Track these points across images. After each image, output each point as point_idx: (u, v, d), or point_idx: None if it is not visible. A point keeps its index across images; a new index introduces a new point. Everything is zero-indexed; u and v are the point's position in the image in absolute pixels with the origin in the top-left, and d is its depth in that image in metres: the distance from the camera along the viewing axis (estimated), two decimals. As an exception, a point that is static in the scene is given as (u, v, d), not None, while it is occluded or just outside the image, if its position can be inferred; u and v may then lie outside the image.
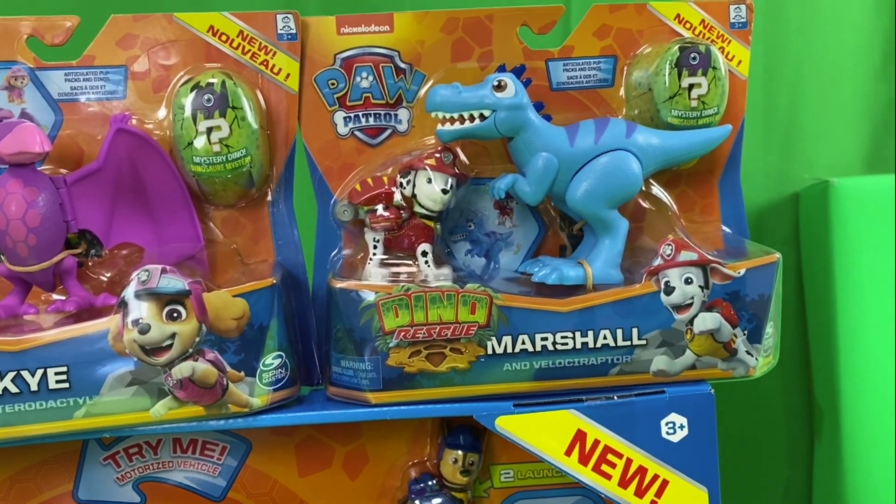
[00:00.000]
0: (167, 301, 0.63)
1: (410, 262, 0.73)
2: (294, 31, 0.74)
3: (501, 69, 0.72)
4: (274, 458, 0.83)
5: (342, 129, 0.76)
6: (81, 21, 0.71)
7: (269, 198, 0.75)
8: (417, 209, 0.72)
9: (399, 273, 0.72)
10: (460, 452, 0.78)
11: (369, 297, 0.67)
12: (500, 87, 0.70)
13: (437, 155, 0.72)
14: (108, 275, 0.71)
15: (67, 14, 0.71)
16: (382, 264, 0.72)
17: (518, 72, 0.71)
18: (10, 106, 0.71)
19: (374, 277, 0.72)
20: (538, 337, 0.68)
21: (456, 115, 0.70)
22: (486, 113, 0.69)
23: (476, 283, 0.68)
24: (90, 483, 0.81)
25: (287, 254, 0.76)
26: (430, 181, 0.71)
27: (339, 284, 0.68)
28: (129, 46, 0.72)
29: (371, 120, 0.76)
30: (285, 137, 0.74)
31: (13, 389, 0.61)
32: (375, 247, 0.72)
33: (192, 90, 0.68)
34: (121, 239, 0.70)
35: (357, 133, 0.76)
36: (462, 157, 0.77)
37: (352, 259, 0.76)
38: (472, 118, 0.70)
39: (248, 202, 0.75)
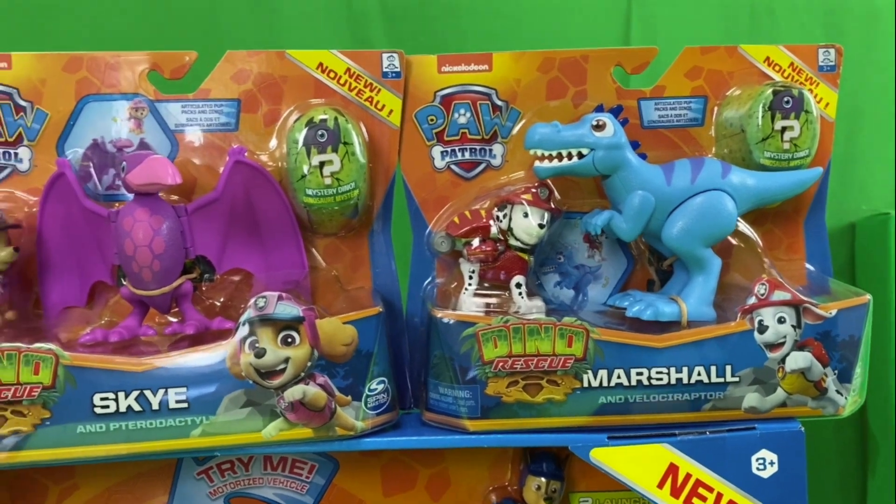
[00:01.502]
0: (282, 327, 0.66)
1: (504, 293, 0.76)
2: (398, 70, 0.77)
3: (599, 109, 0.74)
4: (360, 479, 0.85)
5: (439, 163, 0.79)
6: (199, 56, 0.75)
7: (369, 227, 0.78)
8: (512, 242, 0.74)
9: (493, 304, 0.75)
10: (543, 479, 0.80)
11: (470, 327, 0.70)
12: (599, 126, 0.72)
13: (534, 190, 0.74)
14: (222, 299, 0.74)
15: (186, 49, 0.75)
16: (477, 294, 0.75)
17: (616, 112, 0.74)
18: (130, 136, 0.75)
19: (468, 307, 0.74)
20: (633, 371, 0.70)
21: (554, 153, 0.72)
22: (585, 151, 0.72)
23: (573, 316, 0.70)
24: (184, 497, 0.84)
25: (383, 281, 0.79)
26: (526, 215, 0.73)
27: (441, 314, 0.71)
28: (242, 81, 0.75)
29: (467, 154, 0.79)
30: (386, 170, 0.77)
31: (136, 408, 0.65)
32: (471, 277, 0.75)
33: (306, 125, 0.71)
34: (232, 264, 0.73)
35: (453, 167, 0.79)
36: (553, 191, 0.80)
37: (445, 288, 0.79)
38: (570, 156, 0.72)
39: (348, 231, 0.78)
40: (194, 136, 0.75)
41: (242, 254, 0.73)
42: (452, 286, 0.78)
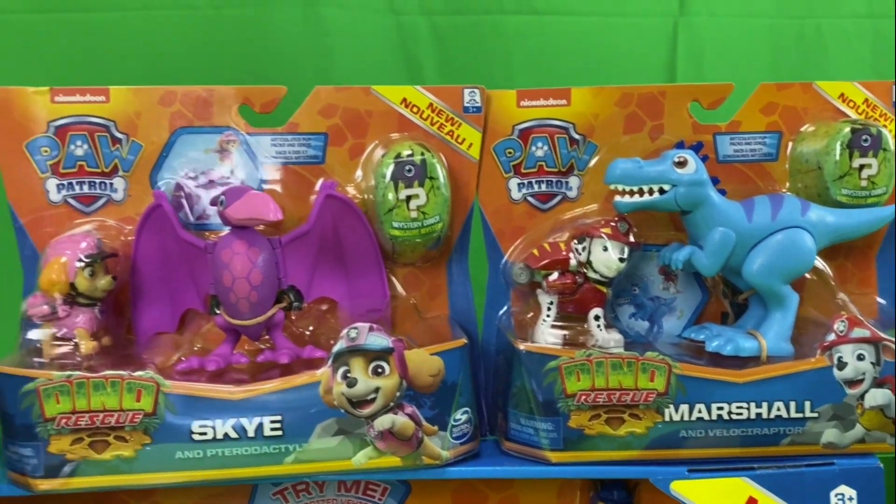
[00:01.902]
0: (373, 357, 0.68)
1: (580, 325, 0.77)
2: (479, 104, 0.79)
3: (680, 145, 0.76)
4: (431, 502, 0.87)
5: (516, 195, 0.80)
6: (288, 91, 0.78)
7: (447, 257, 0.80)
8: (591, 274, 0.75)
9: (571, 336, 0.76)
10: (614, 507, 0.82)
11: (553, 359, 0.71)
12: (681, 163, 0.73)
13: (613, 223, 0.75)
14: (311, 328, 0.77)
15: (276, 84, 0.78)
16: (554, 326, 0.77)
17: (696, 148, 0.75)
18: (221, 167, 0.77)
19: (546, 339, 0.75)
20: (714, 406, 0.71)
21: (635, 188, 0.74)
22: (666, 187, 0.73)
23: (655, 351, 0.71)
24: (260, 516, 0.87)
25: (460, 309, 0.80)
26: (605, 249, 0.75)
27: (524, 346, 0.72)
28: (329, 115, 0.77)
29: (543, 186, 0.80)
30: (464, 201, 0.79)
31: (232, 434, 0.67)
32: (549, 309, 0.76)
33: (393, 160, 0.73)
34: (319, 294, 0.75)
35: (529, 198, 0.80)
36: (628, 224, 0.81)
37: (520, 317, 0.80)
38: (651, 192, 0.73)
39: (426, 260, 0.80)
40: (283, 168, 0.77)
41: (328, 283, 0.76)
42: (528, 316, 0.80)
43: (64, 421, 0.65)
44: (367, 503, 0.87)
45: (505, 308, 0.81)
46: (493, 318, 0.81)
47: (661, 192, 0.73)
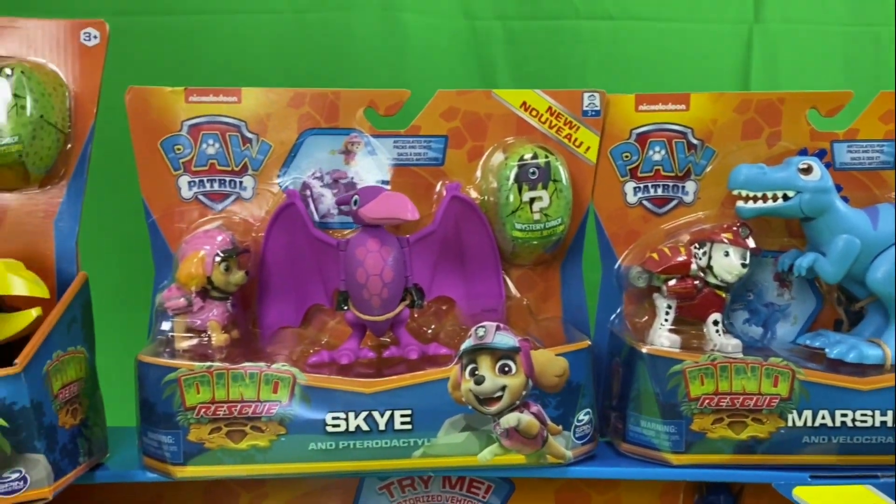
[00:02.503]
0: (500, 356, 0.69)
1: (693, 329, 0.77)
2: (598, 108, 0.80)
3: (803, 153, 0.76)
4: (534, 501, 0.87)
5: (631, 199, 0.81)
6: (412, 94, 0.79)
7: (561, 259, 0.81)
8: (711, 280, 0.76)
9: (685, 340, 0.77)
10: (721, 512, 0.82)
11: (676, 363, 0.72)
12: (806, 169, 0.73)
13: (735, 229, 0.76)
14: (433, 326, 0.78)
15: (400, 88, 0.79)
16: (671, 330, 0.77)
17: (820, 156, 0.75)
18: (345, 168, 0.79)
19: (663, 342, 0.76)
20: (838, 413, 0.71)
21: (759, 194, 0.74)
22: (791, 194, 0.73)
23: (778, 357, 0.71)
24: (366, 509, 0.89)
25: (572, 312, 0.81)
26: (727, 254, 0.75)
27: (646, 349, 0.73)
28: (450, 118, 0.79)
29: (659, 191, 0.81)
30: (580, 205, 0.80)
31: (364, 427, 0.68)
32: (667, 313, 0.77)
33: (517, 163, 0.74)
34: (439, 292, 0.77)
35: (645, 202, 0.81)
36: (742, 230, 0.81)
37: (634, 321, 0.81)
38: (775, 198, 0.74)
39: (540, 262, 0.81)
40: (404, 170, 0.79)
41: (448, 282, 0.77)
42: (643, 319, 0.80)
43: (203, 410, 0.68)
44: (472, 500, 0.89)
45: (618, 311, 0.82)
46: (604, 321, 0.82)
47: (786, 198, 0.73)
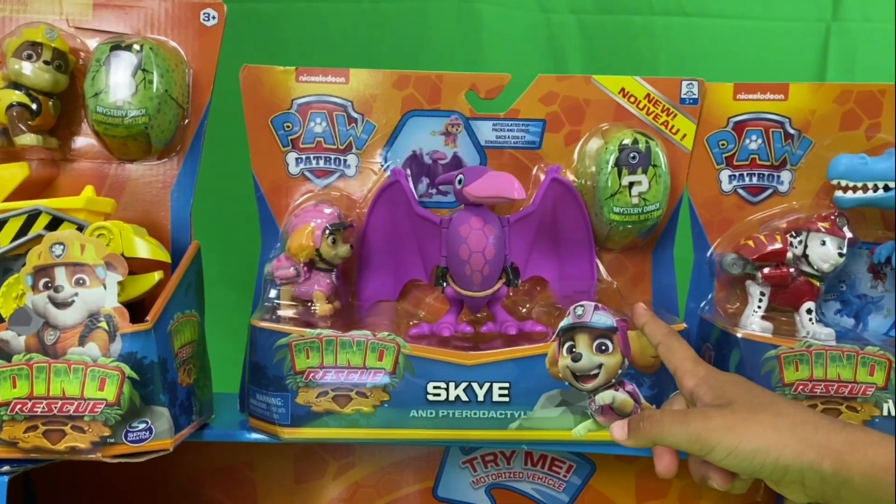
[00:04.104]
0: (597, 335, 0.70)
1: (784, 317, 0.78)
2: (696, 97, 0.80)
3: (907, 151, 0.76)
4: (615, 482, 0.89)
5: (726, 186, 0.82)
6: (512, 79, 0.81)
7: (653, 244, 0.82)
8: (806, 268, 0.77)
9: (777, 327, 0.77)
10: (804, 502, 0.82)
11: (770, 349, 0.73)
12: (909, 161, 0.73)
13: (832, 218, 0.76)
14: (528, 305, 0.80)
15: (501, 72, 0.81)
16: (763, 317, 0.78)
17: None
18: (445, 149, 0.82)
19: (755, 329, 0.77)
20: (936, 404, 0.71)
21: (859, 184, 0.74)
22: (891, 185, 0.73)
23: (875, 346, 0.72)
24: (448, 483, 0.91)
25: (662, 296, 0.83)
26: (823, 243, 0.75)
27: (742, 334, 0.74)
28: (549, 103, 0.81)
29: (755, 179, 0.82)
30: (675, 191, 0.81)
31: (464, 398, 0.71)
32: (760, 300, 0.78)
33: (618, 147, 0.76)
34: (533, 272, 0.79)
35: (739, 190, 0.82)
36: (837, 220, 0.81)
37: (724, 307, 0.82)
38: (875, 188, 0.74)
39: (631, 247, 0.82)
40: (502, 152, 0.81)
41: (542, 262, 0.79)
42: (736, 306, 0.81)
43: (312, 375, 0.71)
44: (553, 478, 0.91)
45: (708, 297, 0.83)
46: (693, 307, 0.83)
47: (886, 188, 0.74)
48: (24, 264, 0.64)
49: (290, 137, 0.80)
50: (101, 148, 0.77)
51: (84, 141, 0.78)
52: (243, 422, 0.78)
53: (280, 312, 0.76)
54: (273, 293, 0.77)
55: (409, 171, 0.81)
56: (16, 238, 0.66)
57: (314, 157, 0.81)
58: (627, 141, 0.76)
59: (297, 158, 0.81)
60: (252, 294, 0.82)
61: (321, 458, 0.91)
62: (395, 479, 0.92)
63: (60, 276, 0.62)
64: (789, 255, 0.76)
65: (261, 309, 0.77)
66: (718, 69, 1.26)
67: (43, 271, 0.62)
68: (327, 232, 0.75)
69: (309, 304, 0.77)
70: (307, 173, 0.81)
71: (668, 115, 0.81)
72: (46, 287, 0.62)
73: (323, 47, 1.26)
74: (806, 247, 0.76)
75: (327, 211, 0.77)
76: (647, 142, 0.76)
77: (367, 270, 0.80)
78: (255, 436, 0.75)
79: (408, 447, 0.89)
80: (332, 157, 0.81)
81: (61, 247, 0.62)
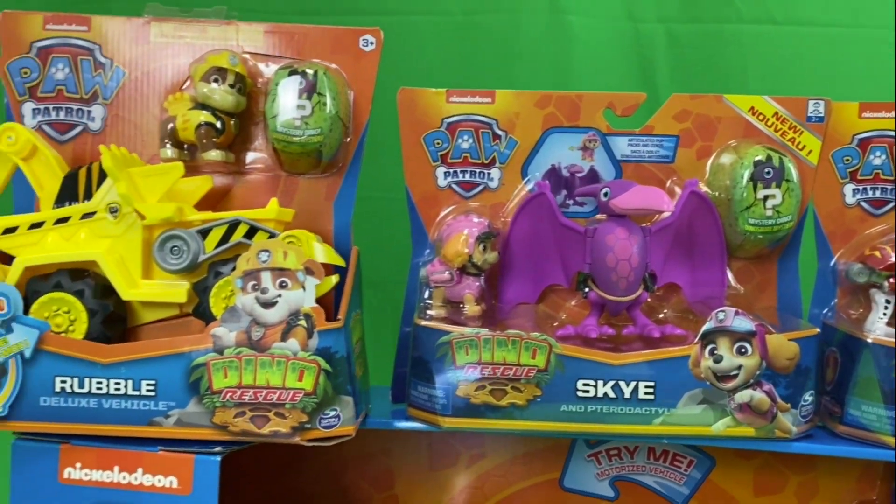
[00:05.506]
0: (737, 338, 0.76)
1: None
2: (822, 115, 0.85)
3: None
4: (734, 478, 0.94)
5: (850, 199, 0.87)
6: (647, 98, 0.87)
7: (779, 253, 0.87)
8: (929, 278, 0.81)
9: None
10: (923, 499, 0.86)
11: (902, 353, 0.77)
12: None
13: (959, 231, 0.80)
14: (666, 310, 0.86)
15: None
16: (888, 324, 0.82)
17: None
18: (582, 163, 0.88)
19: (881, 335, 0.81)
20: None
21: None
22: None
23: None
24: (574, 474, 0.97)
25: (787, 303, 0.87)
26: (948, 255, 0.80)
27: (873, 339, 0.79)
28: (682, 120, 0.86)
29: (878, 193, 0.86)
30: (801, 205, 0.86)
31: (611, 395, 0.77)
32: (886, 307, 0.82)
33: (753, 163, 0.81)
34: (668, 279, 0.85)
35: (863, 203, 0.87)
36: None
37: (847, 313, 0.86)
38: None
39: (759, 256, 0.87)
40: (637, 166, 0.87)
41: (676, 270, 0.85)
42: (858, 312, 0.86)
43: (471, 370, 0.78)
44: (674, 472, 0.96)
45: (831, 304, 0.87)
46: (816, 312, 0.88)
47: None
48: (232, 268, 0.72)
49: (439, 153, 0.88)
50: (271, 162, 0.86)
51: (254, 156, 0.87)
52: (394, 411, 0.85)
53: (430, 312, 0.84)
54: (426, 294, 0.85)
55: (549, 184, 0.87)
56: (219, 245, 0.75)
57: (461, 171, 0.88)
58: (761, 157, 0.81)
59: (445, 172, 0.88)
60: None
61: (453, 447, 0.98)
62: (522, 470, 0.98)
63: (266, 279, 0.70)
64: (915, 265, 0.81)
65: (419, 309, 0.85)
66: (807, 78, 1.28)
67: (251, 275, 0.70)
68: (479, 239, 0.82)
69: (460, 305, 0.84)
70: (454, 186, 0.88)
71: (794, 132, 0.86)
72: (254, 289, 0.70)
73: (419, 59, 1.32)
74: (931, 257, 0.80)
75: (478, 220, 0.84)
76: (780, 158, 0.81)
77: (509, 275, 0.87)
78: (407, 424, 0.82)
79: (535, 440, 0.96)
80: (478, 171, 0.88)
81: (267, 254, 0.70)
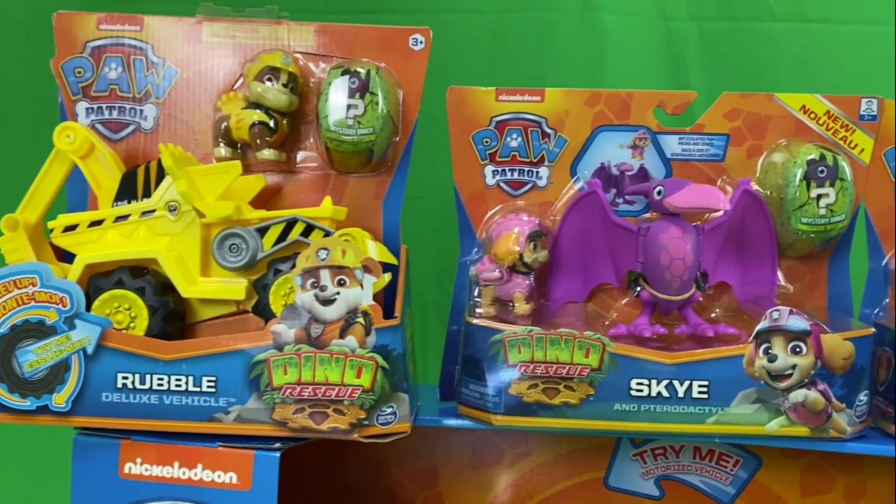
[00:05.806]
0: (792, 337, 0.76)
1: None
2: (875, 113, 0.85)
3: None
4: (780, 478, 0.94)
5: (902, 198, 0.87)
6: (698, 96, 0.87)
7: (829, 253, 0.87)
8: None
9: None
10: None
11: (958, 353, 0.77)
12: None
13: None
14: (718, 310, 0.86)
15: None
16: (942, 324, 0.82)
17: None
18: (632, 161, 0.88)
19: (934, 334, 0.81)
20: None
21: None
22: None
23: None
24: (619, 473, 0.97)
25: (837, 302, 0.87)
26: None
27: (927, 339, 0.79)
28: (733, 119, 0.86)
29: (931, 192, 0.86)
30: (854, 204, 0.85)
31: (665, 394, 0.77)
32: (938, 307, 0.82)
33: (806, 161, 0.80)
34: (719, 278, 0.85)
35: (916, 202, 0.87)
36: None
37: (898, 313, 0.87)
38: None
39: (808, 255, 0.87)
40: (686, 164, 0.86)
41: (728, 269, 0.85)
42: (912, 312, 0.86)
43: (523, 368, 0.78)
44: (720, 472, 0.96)
45: (882, 304, 0.87)
46: (867, 312, 0.88)
47: None
48: (291, 266, 0.73)
49: (487, 151, 0.88)
50: (321, 161, 0.87)
51: (304, 154, 0.88)
52: (442, 409, 0.86)
53: (479, 310, 0.84)
54: (475, 293, 0.85)
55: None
56: (277, 242, 0.76)
57: (509, 170, 0.88)
58: (815, 156, 0.81)
59: (493, 171, 0.88)
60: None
61: (497, 446, 0.98)
62: (567, 469, 0.98)
63: (325, 277, 0.70)
64: (971, 264, 0.80)
65: (468, 307, 0.85)
66: (841, 76, 1.28)
67: (310, 273, 0.70)
68: (530, 238, 0.82)
69: (509, 303, 0.84)
70: (502, 184, 0.88)
71: (846, 131, 0.85)
72: (313, 286, 0.70)
73: (451, 55, 1.32)
74: None
75: (528, 219, 0.84)
76: (833, 157, 0.81)
77: (558, 273, 0.87)
78: (457, 422, 0.82)
79: (580, 438, 0.96)
80: (526, 169, 0.88)
81: (326, 252, 0.70)
